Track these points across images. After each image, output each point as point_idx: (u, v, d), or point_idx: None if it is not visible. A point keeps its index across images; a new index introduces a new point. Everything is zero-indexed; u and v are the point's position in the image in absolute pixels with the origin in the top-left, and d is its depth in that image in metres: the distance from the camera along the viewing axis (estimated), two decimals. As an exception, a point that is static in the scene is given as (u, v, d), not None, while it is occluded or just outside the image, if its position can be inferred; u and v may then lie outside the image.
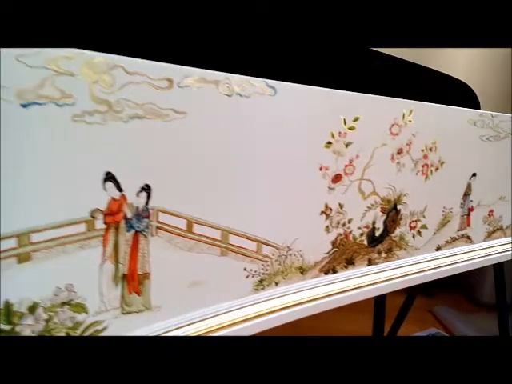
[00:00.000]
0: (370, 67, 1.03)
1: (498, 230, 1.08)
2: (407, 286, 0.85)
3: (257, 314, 0.64)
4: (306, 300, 0.69)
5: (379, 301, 1.45)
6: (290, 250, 0.67)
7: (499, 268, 1.42)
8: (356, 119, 0.70)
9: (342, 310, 0.75)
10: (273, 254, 0.65)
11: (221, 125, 0.54)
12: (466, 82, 1.27)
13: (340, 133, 0.68)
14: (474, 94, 1.26)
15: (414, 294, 1.69)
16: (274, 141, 0.61)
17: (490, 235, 1.06)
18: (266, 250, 0.64)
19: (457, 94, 1.29)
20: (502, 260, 1.09)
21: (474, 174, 0.95)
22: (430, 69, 1.23)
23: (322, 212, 0.70)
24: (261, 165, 0.60)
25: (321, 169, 0.67)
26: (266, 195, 0.62)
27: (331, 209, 0.71)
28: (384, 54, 1.04)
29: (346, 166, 0.70)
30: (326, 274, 0.74)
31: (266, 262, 0.65)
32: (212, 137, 0.54)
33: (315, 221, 0.69)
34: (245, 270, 0.62)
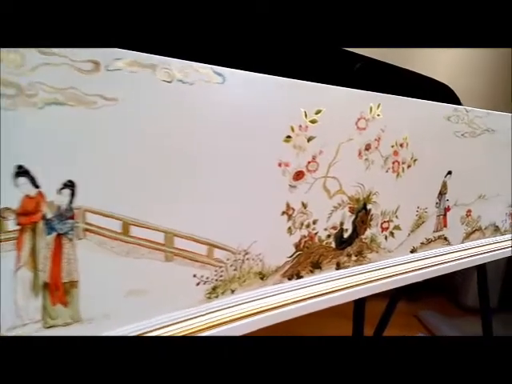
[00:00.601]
0: (345, 68, 0.98)
1: (476, 230, 1.03)
2: (380, 291, 0.80)
3: (211, 324, 0.58)
4: (266, 308, 0.64)
5: (358, 305, 1.40)
6: (247, 253, 0.61)
7: (482, 271, 1.38)
8: (318, 112, 0.65)
9: (321, 314, 0.71)
10: (227, 259, 0.59)
11: (159, 114, 0.49)
12: (449, 83, 1.24)
13: (301, 126, 0.63)
14: (455, 95, 1.23)
15: (396, 298, 1.64)
16: (224, 134, 0.55)
17: (468, 236, 1.02)
18: (218, 254, 0.58)
19: (437, 95, 1.25)
20: (481, 262, 1.04)
21: (450, 172, 0.91)
22: (408, 70, 1.19)
23: (284, 212, 0.64)
24: (209, 160, 0.55)
25: (280, 165, 0.62)
26: (217, 193, 0.57)
27: (293, 209, 0.65)
28: (360, 54, 1.00)
29: (309, 162, 0.65)
30: (289, 279, 0.68)
31: (220, 267, 0.59)
32: (149, 127, 0.48)
33: (276, 222, 0.64)
34: (194, 276, 0.57)
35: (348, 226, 0.74)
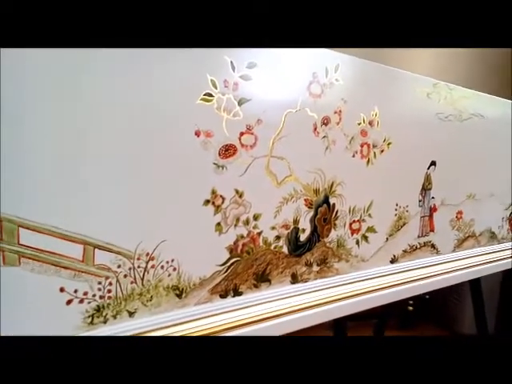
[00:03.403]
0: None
1: (470, 237, 0.86)
2: (350, 312, 0.61)
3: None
4: (186, 337, 0.45)
5: (338, 330, 1.20)
6: (152, 259, 0.43)
7: (477, 294, 1.20)
8: (252, 65, 0.48)
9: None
10: (118, 266, 0.41)
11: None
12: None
13: (226, 82, 0.46)
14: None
15: (384, 323, 1.44)
16: (110, 91, 0.38)
17: (460, 244, 0.84)
18: (102, 257, 0.40)
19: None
20: (477, 276, 0.86)
21: (434, 163, 0.74)
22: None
23: (208, 201, 0.46)
24: (92, 128, 0.37)
25: (197, 134, 0.44)
26: (101, 173, 0.39)
27: (223, 197, 0.47)
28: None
29: (242, 133, 0.48)
30: (222, 297, 0.49)
31: (106, 278, 0.40)
32: None
33: (196, 214, 0.46)
34: (62, 291, 0.38)
35: (305, 225, 0.56)
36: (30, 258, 0.35)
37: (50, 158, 0.36)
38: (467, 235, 0.85)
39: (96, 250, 0.39)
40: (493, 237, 0.92)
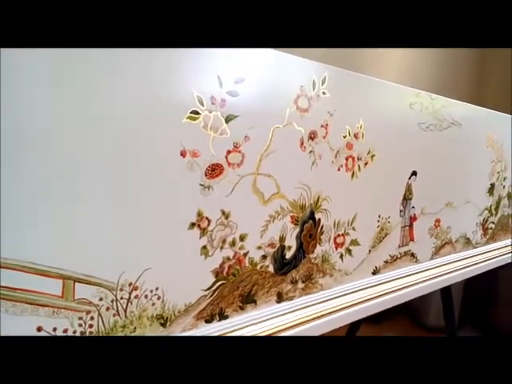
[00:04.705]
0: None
1: (446, 244, 0.87)
2: (337, 326, 0.60)
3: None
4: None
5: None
6: (135, 289, 0.40)
7: (446, 288, 1.22)
8: (239, 80, 0.45)
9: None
10: (100, 299, 0.38)
11: None
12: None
13: (213, 98, 0.43)
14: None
15: (358, 323, 1.46)
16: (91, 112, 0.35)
17: (438, 251, 0.85)
18: (83, 291, 0.37)
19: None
20: (454, 281, 0.87)
21: (415, 173, 0.74)
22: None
23: (193, 224, 0.44)
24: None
25: (183, 154, 0.42)
26: (81, 196, 0.36)
27: (209, 219, 0.45)
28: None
29: (230, 152, 0.46)
30: (207, 321, 0.47)
31: (87, 312, 0.37)
32: None
33: (182, 239, 0.43)
34: (40, 330, 0.35)
35: (291, 243, 0.55)
36: (7, 299, 0.32)
37: (19, 184, 0.33)
38: (444, 242, 0.86)
39: (76, 283, 0.36)
40: (468, 242, 0.93)
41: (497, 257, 1.01)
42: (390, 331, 2.20)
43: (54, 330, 0.36)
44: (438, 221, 0.83)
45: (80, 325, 0.37)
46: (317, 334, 0.58)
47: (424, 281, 0.79)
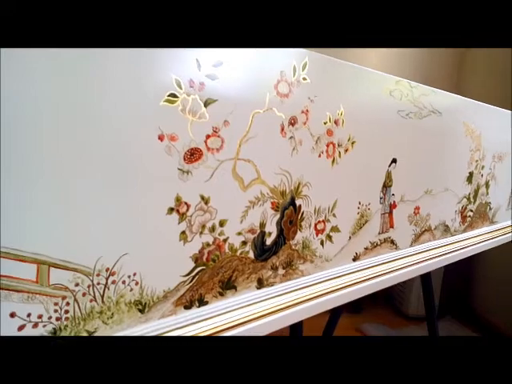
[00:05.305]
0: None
1: (426, 231, 0.88)
2: (317, 312, 0.60)
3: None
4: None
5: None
6: (112, 274, 0.40)
7: (427, 277, 1.24)
8: (218, 64, 0.45)
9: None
10: (76, 284, 0.37)
11: None
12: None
13: (192, 81, 0.43)
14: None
15: (338, 312, 1.47)
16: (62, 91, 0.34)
17: (417, 238, 0.86)
18: (58, 276, 0.36)
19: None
20: (433, 268, 0.89)
21: (395, 161, 0.74)
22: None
23: (172, 209, 0.44)
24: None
25: (161, 138, 0.41)
26: (56, 181, 0.35)
27: (188, 204, 0.45)
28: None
29: (209, 136, 0.45)
30: (187, 308, 0.47)
31: (63, 298, 0.37)
32: None
33: (160, 224, 0.43)
34: (13, 316, 0.34)
35: (271, 229, 0.55)
36: (-26, 285, 0.31)
37: (-5, 170, 0.32)
38: (423, 229, 0.87)
39: (51, 268, 0.35)
40: (447, 230, 0.95)
41: (474, 244, 1.03)
42: (370, 321, 2.24)
43: (29, 315, 0.35)
44: (417, 208, 0.84)
45: (55, 310, 0.37)
46: (298, 320, 0.58)
47: (404, 267, 0.80)
